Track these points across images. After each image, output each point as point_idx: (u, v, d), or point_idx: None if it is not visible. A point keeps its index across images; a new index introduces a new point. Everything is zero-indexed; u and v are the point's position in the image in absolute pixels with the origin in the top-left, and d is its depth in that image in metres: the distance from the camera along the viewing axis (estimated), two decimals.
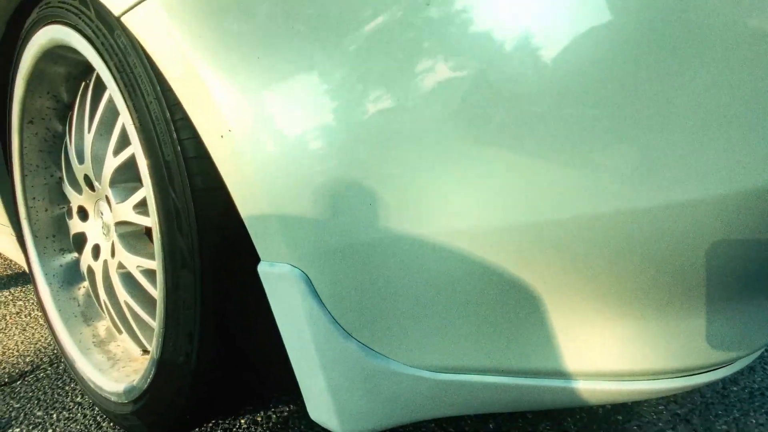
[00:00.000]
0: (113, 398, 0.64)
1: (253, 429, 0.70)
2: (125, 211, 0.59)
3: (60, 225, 0.88)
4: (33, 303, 1.30)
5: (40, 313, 1.23)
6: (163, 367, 0.50)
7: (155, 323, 0.50)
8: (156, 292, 0.56)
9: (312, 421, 0.72)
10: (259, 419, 0.72)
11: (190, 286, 0.45)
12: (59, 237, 0.87)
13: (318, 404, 0.45)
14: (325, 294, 0.39)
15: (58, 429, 0.73)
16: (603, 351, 0.36)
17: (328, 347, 0.41)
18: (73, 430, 0.72)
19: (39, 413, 0.77)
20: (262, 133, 0.36)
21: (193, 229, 0.43)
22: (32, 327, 1.14)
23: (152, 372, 0.53)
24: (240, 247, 0.44)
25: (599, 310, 0.34)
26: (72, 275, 0.86)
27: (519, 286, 0.35)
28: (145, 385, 0.55)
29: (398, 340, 0.40)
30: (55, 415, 0.76)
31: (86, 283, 0.86)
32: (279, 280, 0.40)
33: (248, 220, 0.40)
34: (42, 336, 1.08)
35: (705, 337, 0.35)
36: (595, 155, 0.29)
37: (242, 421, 0.72)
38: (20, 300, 1.33)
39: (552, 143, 0.30)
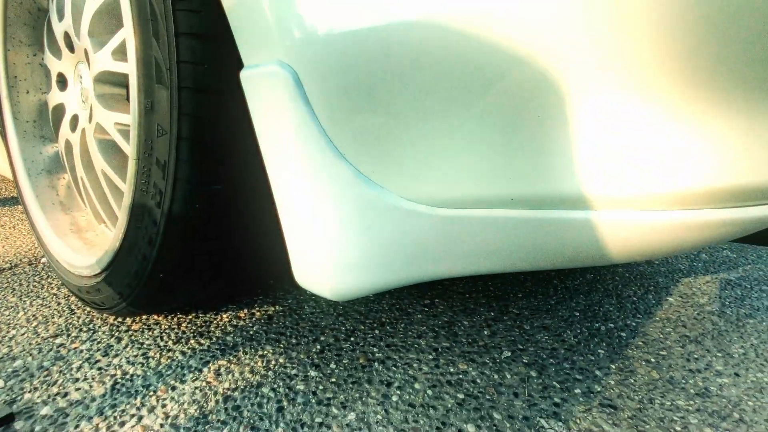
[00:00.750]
0: (86, 272, 0.59)
1: (235, 323, 0.65)
2: (104, 59, 0.53)
3: (41, 112, 0.82)
4: (17, 219, 1.26)
5: (21, 211, 1.18)
6: (135, 212, 0.45)
7: (129, 159, 0.45)
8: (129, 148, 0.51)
9: (295, 318, 0.67)
10: (242, 315, 0.68)
11: (165, 106, 0.39)
12: (40, 123, 0.81)
13: (304, 258, 0.40)
14: (318, 100, 0.33)
15: (29, 312, 0.68)
16: (647, 166, 0.30)
17: (319, 168, 0.35)
18: (45, 314, 0.68)
19: (12, 299, 0.73)
20: None
21: (170, 34, 0.37)
22: (14, 237, 1.09)
23: (124, 224, 0.48)
24: (222, 59, 0.38)
25: (644, 106, 0.29)
26: (53, 165, 0.81)
27: (539, 88, 0.29)
28: (117, 245, 0.50)
29: (396, 164, 0.35)
30: (28, 302, 0.72)
31: (66, 175, 0.81)
32: (264, 82, 0.34)
33: (231, 11, 0.34)
34: (23, 243, 1.04)
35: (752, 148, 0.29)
36: None
37: (224, 316, 0.68)
38: (6, 216, 1.29)
39: None
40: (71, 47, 0.63)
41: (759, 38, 0.26)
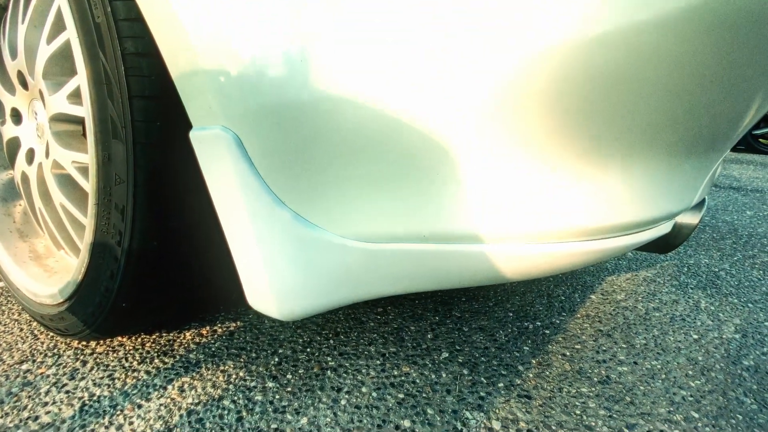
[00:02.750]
0: (48, 301, 0.62)
1: (198, 340, 0.70)
2: (59, 101, 0.56)
3: None
4: None
5: None
6: (96, 250, 0.50)
7: (89, 203, 0.49)
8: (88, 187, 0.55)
9: (256, 333, 0.73)
10: (204, 332, 0.73)
11: (121, 158, 0.44)
12: None
13: (254, 287, 0.46)
14: (257, 157, 0.39)
15: None
16: (526, 210, 0.38)
17: (260, 216, 0.41)
18: (8, 340, 0.70)
19: None
20: None
21: (124, 96, 0.42)
22: None
23: (86, 260, 0.52)
24: (173, 117, 0.43)
25: (525, 165, 0.36)
26: (8, 192, 0.82)
27: (434, 146, 0.37)
28: (80, 277, 0.54)
29: (327, 208, 0.41)
30: None
31: (23, 202, 0.82)
32: (210, 144, 0.40)
33: (179, 82, 0.40)
34: None
35: (632, 192, 0.38)
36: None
37: (187, 334, 0.72)
38: None
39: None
40: (25, 84, 0.65)
41: (613, 118, 0.35)
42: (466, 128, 0.35)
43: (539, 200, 0.38)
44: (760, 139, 4.77)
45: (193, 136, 0.41)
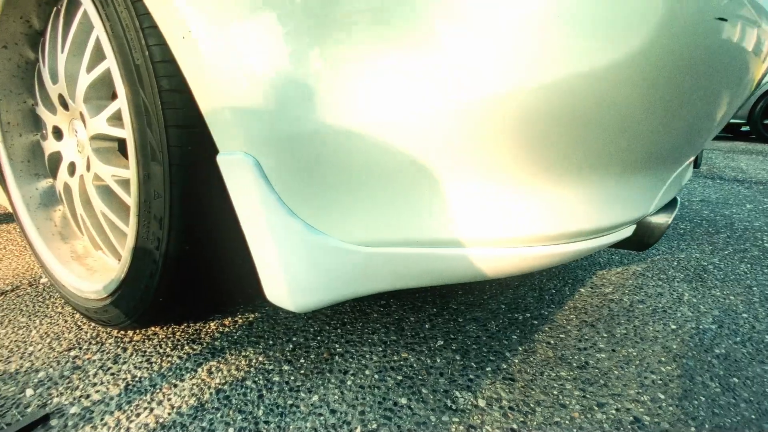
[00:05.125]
0: (93, 296, 0.71)
1: (221, 329, 0.79)
2: (99, 124, 0.64)
3: (34, 151, 0.92)
4: (6, 240, 1.34)
5: (22, 241, 1.27)
6: (137, 253, 0.58)
7: (131, 213, 0.57)
8: (128, 199, 0.63)
9: (272, 323, 0.81)
10: (226, 322, 0.82)
11: (159, 177, 0.52)
12: (33, 162, 0.91)
13: (272, 283, 0.54)
14: (273, 177, 0.47)
15: (41, 330, 0.80)
16: (497, 220, 0.45)
17: (277, 225, 0.49)
18: (56, 331, 0.80)
19: (23, 319, 0.84)
20: (218, 33, 0.43)
21: (161, 126, 0.50)
22: (8, 258, 1.18)
23: (128, 261, 0.61)
24: (202, 143, 0.51)
25: (494, 184, 0.44)
26: (48, 199, 0.92)
27: (424, 165, 0.44)
28: (122, 275, 0.63)
29: (333, 218, 0.49)
30: (38, 321, 0.84)
31: (61, 207, 0.92)
32: (234, 166, 0.48)
33: (207, 115, 0.47)
34: (18, 264, 1.13)
35: (587, 204, 0.45)
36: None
37: (211, 324, 0.81)
38: None
39: (457, 47, 0.38)
40: (65, 106, 0.74)
41: (565, 145, 0.41)
42: (447, 156, 0.42)
43: (507, 212, 0.45)
44: None
45: (220, 159, 0.49)
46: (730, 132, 5.89)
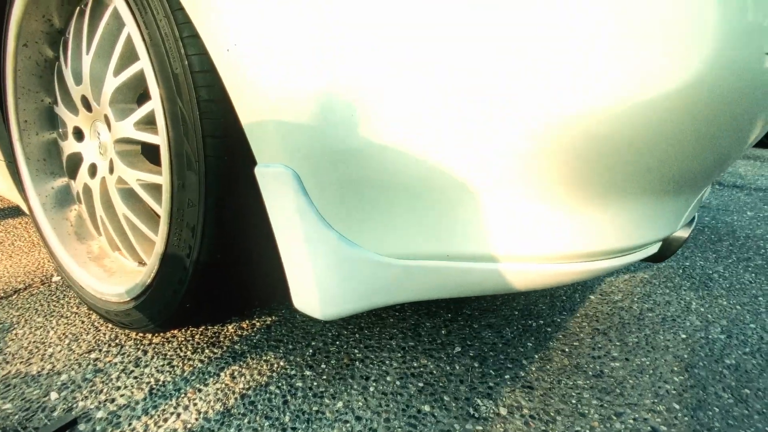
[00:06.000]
0: (114, 299, 0.72)
1: (240, 333, 0.80)
2: (126, 128, 0.64)
3: (50, 150, 0.91)
4: (14, 236, 1.33)
5: (30, 237, 1.26)
6: (167, 259, 0.59)
7: (161, 221, 0.57)
8: (154, 204, 0.63)
9: (290, 327, 0.82)
10: (245, 326, 0.82)
11: (194, 186, 0.52)
12: (50, 161, 0.91)
13: (302, 292, 0.55)
14: (312, 190, 0.48)
15: (59, 331, 0.80)
16: (531, 237, 0.46)
17: (313, 237, 0.50)
18: (73, 332, 0.80)
19: (39, 319, 0.84)
20: (263, 47, 0.43)
21: (198, 135, 0.50)
22: (17, 255, 1.18)
23: (156, 267, 0.61)
24: (238, 153, 0.51)
25: (531, 203, 0.44)
26: (63, 198, 0.91)
27: (455, 186, 0.45)
28: (149, 280, 0.63)
29: (369, 232, 0.49)
30: (54, 321, 0.84)
31: (76, 206, 0.91)
32: (273, 178, 0.48)
33: (248, 126, 0.48)
34: (29, 261, 1.13)
35: (620, 225, 0.46)
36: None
37: (229, 327, 0.81)
38: (0, 233, 1.36)
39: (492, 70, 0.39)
40: (88, 107, 0.73)
41: (601, 170, 0.42)
42: (481, 173, 0.43)
43: (542, 230, 0.46)
44: None
45: (258, 171, 0.49)
46: None
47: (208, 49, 0.47)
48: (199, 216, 0.53)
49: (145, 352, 0.73)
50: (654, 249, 0.55)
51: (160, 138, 0.54)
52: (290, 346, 0.76)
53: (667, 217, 0.49)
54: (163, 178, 0.55)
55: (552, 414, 0.62)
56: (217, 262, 0.56)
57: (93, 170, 0.77)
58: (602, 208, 0.44)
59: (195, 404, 0.61)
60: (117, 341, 0.77)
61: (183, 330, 0.80)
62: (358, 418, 0.60)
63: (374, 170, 0.45)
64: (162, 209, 0.57)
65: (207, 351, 0.74)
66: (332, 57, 0.42)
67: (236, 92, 0.46)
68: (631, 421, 0.61)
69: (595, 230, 0.45)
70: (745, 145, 0.46)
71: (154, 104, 0.53)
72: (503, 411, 0.62)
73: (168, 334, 0.79)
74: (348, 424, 0.59)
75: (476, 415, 0.61)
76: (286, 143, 0.46)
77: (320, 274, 0.52)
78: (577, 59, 0.34)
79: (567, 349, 0.78)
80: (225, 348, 0.75)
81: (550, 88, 0.36)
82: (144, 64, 0.53)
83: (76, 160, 0.82)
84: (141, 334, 0.79)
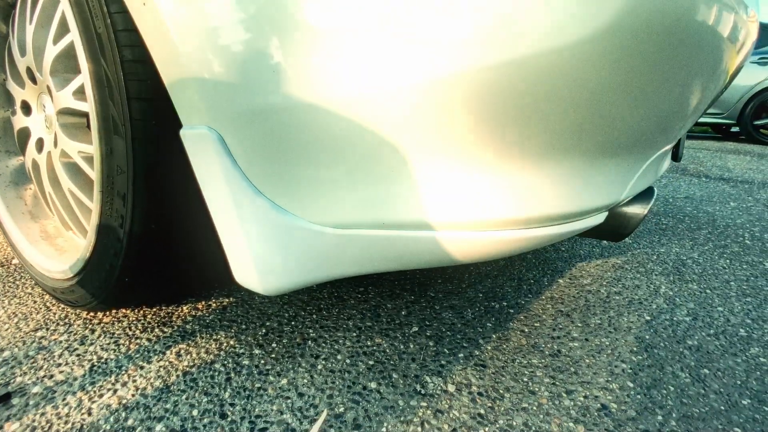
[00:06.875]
0: (59, 276, 0.70)
1: (194, 313, 0.78)
2: (65, 97, 0.62)
3: (5, 128, 0.89)
4: None
5: None
6: (101, 231, 0.57)
7: (94, 190, 0.56)
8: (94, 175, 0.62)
9: (247, 308, 0.81)
10: (200, 306, 0.80)
11: (122, 152, 0.50)
12: (4, 139, 0.88)
13: (240, 265, 0.53)
14: (238, 153, 0.46)
15: (9, 311, 0.78)
16: (465, 202, 0.44)
17: (243, 204, 0.48)
18: (24, 311, 0.78)
19: None
20: (180, 2, 0.41)
21: (123, 98, 0.48)
22: None
23: (93, 240, 0.59)
24: (167, 117, 0.49)
25: (461, 164, 0.43)
26: (18, 177, 0.89)
27: (389, 144, 0.43)
28: (87, 254, 0.61)
29: (299, 198, 0.48)
30: (6, 301, 0.82)
31: (33, 185, 0.89)
32: (197, 141, 0.46)
33: (170, 86, 0.46)
34: None
35: (556, 188, 0.44)
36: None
37: (184, 308, 0.80)
38: None
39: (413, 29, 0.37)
40: (34, 80, 0.71)
41: (528, 128, 0.41)
42: (412, 134, 0.41)
43: (475, 194, 0.44)
44: (761, 130, 4.76)
45: (183, 134, 0.47)
46: (720, 132, 5.95)
47: (127, 6, 0.45)
48: (129, 183, 0.51)
49: (93, 331, 0.72)
50: (599, 219, 0.53)
51: (88, 103, 0.52)
52: (243, 326, 0.74)
53: (608, 183, 0.47)
54: (93, 144, 0.53)
55: (501, 391, 0.60)
56: (151, 233, 0.55)
57: (40, 145, 0.75)
58: (533, 169, 0.43)
59: (134, 381, 0.60)
60: (66, 320, 0.75)
61: (135, 310, 0.78)
62: (301, 395, 0.58)
63: (298, 129, 0.43)
64: (95, 177, 0.55)
65: (156, 330, 0.72)
66: (250, 11, 0.40)
67: (156, 50, 0.44)
68: (582, 398, 0.60)
69: (528, 194, 0.44)
70: (686, 110, 0.44)
71: (81, 67, 0.51)
72: (451, 388, 0.61)
73: (119, 314, 0.77)
74: (289, 401, 0.57)
75: (423, 391, 0.60)
76: (209, 103, 0.44)
77: (254, 244, 0.50)
78: (486, 5, 0.32)
79: (526, 330, 0.77)
80: (176, 327, 0.73)
81: (457, 36, 0.35)
82: (71, 25, 0.51)
83: (25, 136, 0.80)
84: (92, 314, 0.77)
